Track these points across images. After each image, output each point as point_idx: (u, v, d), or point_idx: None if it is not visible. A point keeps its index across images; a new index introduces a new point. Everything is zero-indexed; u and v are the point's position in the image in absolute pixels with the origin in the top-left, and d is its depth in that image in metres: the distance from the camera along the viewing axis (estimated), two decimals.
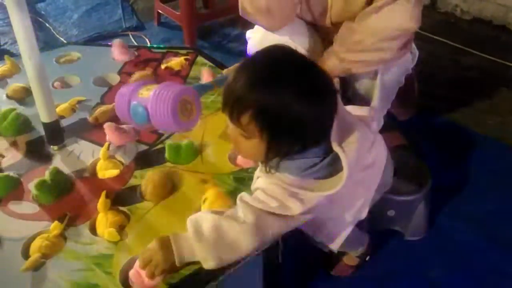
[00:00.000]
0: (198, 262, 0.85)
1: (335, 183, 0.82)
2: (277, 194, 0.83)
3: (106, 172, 1.10)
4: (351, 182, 0.83)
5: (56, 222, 0.96)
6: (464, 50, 2.23)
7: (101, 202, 0.98)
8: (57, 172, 1.06)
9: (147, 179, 1.04)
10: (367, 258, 1.23)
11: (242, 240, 0.82)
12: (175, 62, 1.54)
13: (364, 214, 1.01)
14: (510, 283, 1.20)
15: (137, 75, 1.43)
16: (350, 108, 0.99)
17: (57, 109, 1.25)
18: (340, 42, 1.23)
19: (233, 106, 0.77)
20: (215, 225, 0.82)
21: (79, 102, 1.36)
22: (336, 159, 0.82)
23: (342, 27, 1.24)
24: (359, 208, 0.99)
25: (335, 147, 0.81)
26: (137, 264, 0.85)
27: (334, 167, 0.83)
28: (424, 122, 1.71)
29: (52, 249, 0.91)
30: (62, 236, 0.95)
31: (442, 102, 1.86)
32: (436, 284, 1.20)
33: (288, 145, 0.80)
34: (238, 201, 0.86)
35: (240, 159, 1.15)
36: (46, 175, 1.03)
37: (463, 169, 1.54)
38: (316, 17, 1.33)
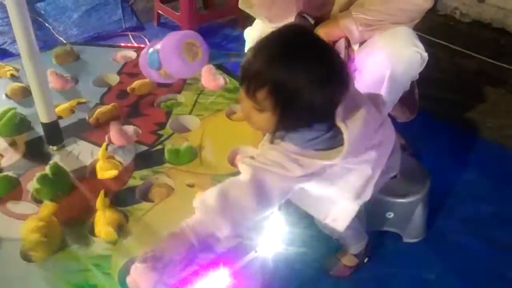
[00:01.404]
0: None
1: (334, 155, 0.85)
2: (277, 158, 0.87)
3: (106, 172, 1.10)
4: (356, 159, 0.88)
5: (46, 202, 0.96)
6: (463, 53, 2.23)
7: (100, 200, 0.98)
8: (57, 167, 1.06)
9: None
10: (365, 260, 1.23)
11: (244, 198, 0.85)
12: None
13: (367, 195, 1.01)
14: (508, 286, 1.20)
15: (136, 82, 1.43)
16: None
17: (56, 110, 1.25)
18: (354, 7, 1.25)
19: (251, 81, 0.81)
20: (220, 194, 0.85)
21: (79, 103, 1.36)
22: (339, 133, 0.85)
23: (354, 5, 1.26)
24: (363, 188, 0.99)
25: (339, 122, 0.84)
26: (133, 268, 0.85)
27: (336, 140, 0.86)
28: (423, 125, 1.71)
29: (49, 229, 0.91)
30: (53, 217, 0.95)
31: (441, 105, 1.86)
32: (434, 286, 1.20)
33: (297, 121, 0.84)
34: (239, 164, 0.89)
35: (239, 159, 1.16)
36: (47, 170, 1.03)
37: (461, 172, 1.54)
38: (320, 9, 1.34)
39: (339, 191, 0.99)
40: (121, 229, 0.95)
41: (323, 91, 0.81)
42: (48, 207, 0.95)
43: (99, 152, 1.12)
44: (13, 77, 1.48)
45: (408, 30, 1.24)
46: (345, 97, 0.85)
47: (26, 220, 0.93)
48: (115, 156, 1.17)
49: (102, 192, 0.99)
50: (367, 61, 1.26)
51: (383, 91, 1.23)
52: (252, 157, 0.91)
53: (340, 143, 0.85)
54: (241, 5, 1.30)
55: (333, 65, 0.83)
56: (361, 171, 0.97)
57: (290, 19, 1.32)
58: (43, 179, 1.02)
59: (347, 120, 0.86)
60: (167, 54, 1.03)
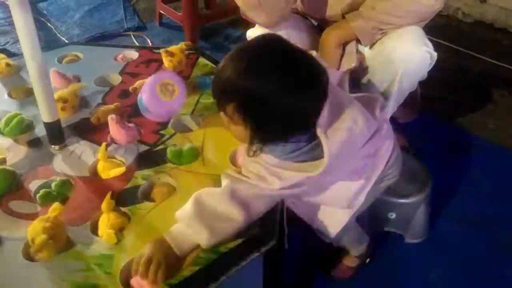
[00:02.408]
0: (199, 262, 0.85)
1: (314, 168, 0.84)
2: (257, 170, 0.87)
3: (112, 171, 1.09)
4: (344, 171, 0.88)
5: (56, 204, 0.96)
6: (465, 53, 2.23)
7: (106, 202, 0.98)
8: (63, 185, 1.06)
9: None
10: (367, 260, 1.23)
11: (222, 206, 0.86)
12: (174, 48, 1.53)
13: (360, 204, 0.99)
14: (510, 287, 1.20)
15: (139, 82, 1.43)
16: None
17: (58, 94, 1.28)
18: (364, 7, 1.25)
19: (219, 97, 0.83)
20: (195, 199, 0.87)
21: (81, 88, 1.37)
22: (317, 146, 0.83)
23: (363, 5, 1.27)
24: (355, 196, 0.98)
25: (319, 133, 0.82)
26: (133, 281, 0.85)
27: (317, 152, 0.84)
28: (425, 125, 1.71)
29: (55, 230, 0.91)
30: (61, 219, 0.94)
31: (443, 105, 1.86)
32: (436, 287, 1.20)
33: (272, 134, 0.83)
34: (221, 176, 0.91)
35: (241, 161, 1.15)
36: (52, 187, 1.04)
37: (463, 172, 1.54)
38: (321, 11, 1.34)
39: (329, 199, 0.98)
40: (121, 232, 0.95)
41: (295, 100, 0.77)
42: (56, 209, 0.95)
43: (99, 152, 1.12)
44: (8, 66, 1.48)
45: (418, 29, 1.25)
46: (327, 105, 0.82)
47: (34, 220, 0.93)
48: (116, 156, 1.17)
49: (108, 194, 0.99)
50: (378, 61, 1.26)
51: (393, 91, 1.23)
52: (237, 171, 0.91)
53: (322, 155, 0.82)
54: (241, 12, 1.31)
55: (307, 73, 0.79)
56: (351, 180, 0.95)
57: (286, 23, 1.32)
58: (46, 196, 1.03)
59: (329, 130, 0.83)
60: (147, 98, 1.14)
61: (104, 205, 0.97)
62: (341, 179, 0.94)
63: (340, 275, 1.21)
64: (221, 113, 0.86)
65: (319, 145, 0.83)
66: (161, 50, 1.52)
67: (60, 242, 0.92)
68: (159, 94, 1.14)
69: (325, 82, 0.81)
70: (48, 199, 1.03)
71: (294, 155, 0.86)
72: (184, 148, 1.15)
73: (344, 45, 1.32)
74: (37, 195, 1.04)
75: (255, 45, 0.82)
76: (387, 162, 0.98)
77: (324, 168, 0.82)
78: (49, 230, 0.90)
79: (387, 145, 0.98)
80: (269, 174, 0.86)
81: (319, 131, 0.82)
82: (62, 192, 1.05)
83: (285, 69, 0.78)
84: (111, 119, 1.19)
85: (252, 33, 1.43)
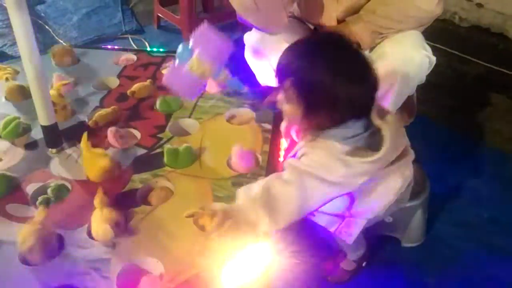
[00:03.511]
0: None
1: (375, 155, 0.87)
2: (322, 157, 0.89)
3: (96, 163, 1.08)
4: (386, 170, 0.91)
5: (40, 208, 0.97)
6: (462, 57, 2.24)
7: (98, 197, 0.97)
8: (59, 189, 1.06)
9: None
10: (363, 264, 1.23)
11: (287, 198, 0.88)
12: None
13: (380, 213, 1.02)
14: None
15: (136, 85, 1.43)
16: None
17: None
18: (365, 11, 1.26)
19: (279, 71, 0.89)
20: (264, 187, 0.88)
21: (63, 85, 1.35)
22: (374, 134, 0.89)
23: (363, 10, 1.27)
24: (380, 207, 1.01)
25: (376, 121, 0.89)
26: None
27: (373, 141, 0.89)
28: (422, 129, 1.71)
29: (44, 232, 0.92)
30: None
31: (440, 109, 1.86)
32: None
33: (321, 118, 0.87)
34: (284, 165, 0.91)
35: (238, 165, 1.16)
36: (49, 193, 1.04)
37: (460, 176, 1.54)
38: (317, 16, 1.34)
39: (374, 202, 1.00)
40: (119, 228, 0.94)
41: (346, 84, 0.84)
42: (41, 213, 0.95)
43: (81, 143, 1.11)
44: (7, 80, 1.48)
45: (417, 33, 1.25)
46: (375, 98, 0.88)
47: (24, 225, 0.93)
48: (114, 158, 1.16)
49: (100, 189, 0.99)
50: (378, 65, 1.26)
51: (392, 95, 1.23)
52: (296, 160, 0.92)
53: (376, 146, 0.88)
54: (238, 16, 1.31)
55: (359, 61, 0.87)
56: (391, 182, 0.98)
57: (282, 26, 1.33)
58: (44, 203, 1.04)
59: (381, 121, 0.90)
60: (201, 35, 1.11)
61: (96, 201, 0.97)
62: (383, 181, 0.97)
63: (337, 279, 1.21)
64: (279, 91, 0.91)
65: (374, 135, 0.88)
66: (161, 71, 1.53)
67: (50, 244, 0.92)
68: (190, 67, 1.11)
69: (375, 75, 0.88)
70: (46, 204, 1.03)
71: (355, 140, 0.89)
72: (180, 148, 1.15)
73: None
74: (37, 202, 1.04)
75: (314, 36, 0.94)
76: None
77: (386, 151, 0.87)
78: (37, 233, 0.91)
79: (409, 149, 1.03)
80: (335, 160, 0.88)
81: (375, 118, 0.89)
82: (59, 196, 1.05)
83: (342, 58, 0.86)
84: (110, 131, 1.20)
85: (249, 37, 1.44)
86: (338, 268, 1.22)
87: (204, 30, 1.14)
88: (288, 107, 0.90)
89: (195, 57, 1.12)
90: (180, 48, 1.16)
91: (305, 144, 0.94)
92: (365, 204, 0.98)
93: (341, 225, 1.04)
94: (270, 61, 1.27)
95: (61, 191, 1.06)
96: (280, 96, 0.92)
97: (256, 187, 0.90)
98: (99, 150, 1.13)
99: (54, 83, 1.35)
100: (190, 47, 1.13)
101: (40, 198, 1.04)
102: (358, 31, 1.25)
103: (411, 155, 1.02)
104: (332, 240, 1.16)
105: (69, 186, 1.09)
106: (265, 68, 1.39)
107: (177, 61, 1.15)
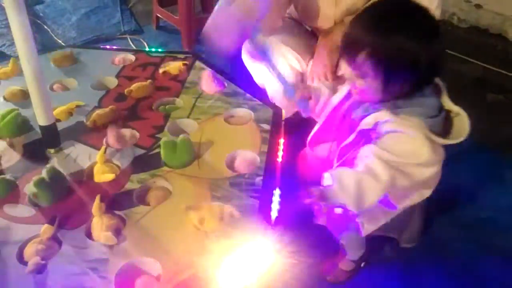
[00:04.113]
0: None
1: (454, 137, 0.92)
2: (409, 141, 0.89)
3: (102, 176, 1.10)
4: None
5: (46, 225, 0.95)
6: (461, 58, 2.24)
7: (96, 205, 0.97)
8: (54, 171, 1.05)
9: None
10: (362, 264, 1.23)
11: (376, 194, 0.92)
12: (173, 66, 1.54)
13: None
14: None
15: (135, 85, 1.43)
16: None
17: (54, 112, 1.25)
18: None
19: (350, 47, 0.88)
20: (357, 181, 0.90)
21: (77, 106, 1.36)
22: (443, 120, 0.92)
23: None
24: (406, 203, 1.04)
25: (453, 106, 0.94)
26: None
27: (447, 126, 0.93)
28: None
29: (47, 251, 0.91)
30: (55, 239, 0.94)
31: None
32: None
33: (400, 85, 0.88)
34: (376, 159, 0.90)
35: (237, 165, 1.16)
36: (44, 173, 1.03)
37: (457, 177, 1.54)
38: (314, 20, 1.35)
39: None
40: (119, 233, 0.95)
41: (423, 45, 0.85)
42: (47, 231, 0.95)
43: (98, 154, 1.12)
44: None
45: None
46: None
47: (29, 243, 0.93)
48: (113, 159, 1.16)
49: (97, 197, 0.99)
50: None
51: None
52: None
53: (447, 131, 0.92)
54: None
55: (429, 20, 0.88)
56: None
57: (281, 28, 1.33)
58: (40, 183, 1.01)
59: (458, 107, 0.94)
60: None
61: (94, 209, 0.97)
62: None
63: (335, 279, 1.21)
64: (348, 70, 0.90)
65: (445, 119, 0.92)
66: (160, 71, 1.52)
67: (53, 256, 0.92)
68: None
69: (442, 35, 0.89)
70: (41, 186, 1.01)
71: (434, 121, 0.90)
72: (178, 139, 1.14)
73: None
74: (31, 183, 1.02)
75: (381, 4, 0.90)
76: None
77: (465, 137, 0.92)
78: (42, 252, 0.90)
79: None
80: (423, 139, 0.89)
81: (450, 104, 0.93)
82: (54, 179, 1.04)
83: (412, 21, 0.86)
84: (110, 130, 1.20)
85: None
86: (337, 268, 1.22)
87: None
88: (361, 83, 0.90)
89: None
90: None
91: (388, 120, 0.92)
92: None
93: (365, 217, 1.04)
94: (270, 63, 1.26)
95: (56, 174, 1.05)
96: (350, 74, 0.91)
97: (348, 177, 0.91)
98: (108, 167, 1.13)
99: (68, 104, 1.35)
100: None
101: (34, 178, 1.02)
102: (335, 37, 1.25)
103: None
104: (332, 239, 1.16)
105: (67, 185, 1.09)
106: (262, 70, 1.39)
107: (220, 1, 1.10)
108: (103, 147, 1.14)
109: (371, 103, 0.95)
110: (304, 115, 1.11)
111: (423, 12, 0.88)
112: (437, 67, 0.90)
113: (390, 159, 0.89)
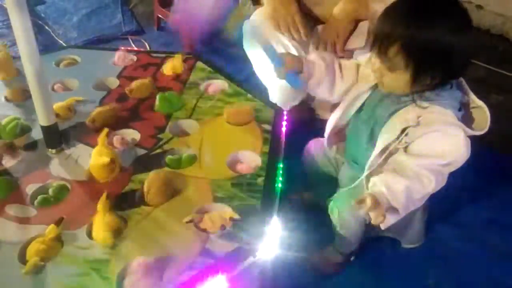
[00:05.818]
0: None
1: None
2: (443, 139, 0.92)
3: (100, 158, 1.08)
4: None
5: (52, 226, 0.95)
6: None
7: (101, 202, 0.97)
8: (60, 190, 1.06)
9: (149, 182, 1.04)
10: (352, 258, 1.22)
11: (423, 198, 0.99)
12: (172, 64, 1.53)
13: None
14: None
15: (136, 83, 1.43)
16: None
17: (54, 107, 1.24)
18: None
19: (382, 40, 0.87)
20: (407, 189, 0.91)
21: (76, 101, 1.35)
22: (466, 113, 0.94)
23: None
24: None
25: (476, 100, 0.96)
26: None
27: (470, 121, 0.95)
28: None
29: (49, 252, 0.91)
30: (59, 240, 0.94)
31: None
32: None
33: (430, 77, 0.88)
34: (425, 171, 0.93)
35: (238, 165, 1.16)
36: (50, 193, 1.04)
37: (459, 178, 1.54)
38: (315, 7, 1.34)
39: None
40: (118, 234, 0.95)
41: (455, 37, 0.85)
42: (52, 231, 0.94)
43: (99, 137, 1.12)
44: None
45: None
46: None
47: (32, 242, 0.93)
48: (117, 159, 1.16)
49: (104, 194, 0.99)
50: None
51: None
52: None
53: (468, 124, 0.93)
54: None
55: (460, 11, 0.88)
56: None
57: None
58: (44, 201, 1.04)
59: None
60: None
61: (100, 205, 0.97)
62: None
63: (326, 272, 1.19)
64: (378, 63, 0.90)
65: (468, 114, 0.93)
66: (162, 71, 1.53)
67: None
68: None
69: (471, 28, 0.89)
70: (45, 204, 1.03)
71: (461, 114, 0.92)
72: (183, 155, 1.16)
73: (356, 22, 1.30)
74: (35, 201, 1.03)
75: None
76: None
77: (487, 126, 0.94)
78: (42, 253, 0.90)
79: None
80: (454, 126, 0.90)
81: (474, 98, 0.95)
82: (59, 197, 1.05)
83: (444, 13, 0.85)
84: (116, 139, 1.22)
85: (246, 26, 1.43)
86: (325, 260, 1.20)
87: None
88: (393, 77, 0.89)
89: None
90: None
91: (422, 111, 0.93)
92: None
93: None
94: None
95: (62, 192, 1.06)
96: (379, 68, 0.90)
97: (398, 184, 0.91)
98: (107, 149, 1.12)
99: (68, 99, 1.35)
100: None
101: (39, 198, 1.03)
102: (376, 9, 1.22)
103: None
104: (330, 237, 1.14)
105: (69, 186, 1.09)
106: (262, 57, 1.36)
107: None
108: (105, 130, 1.14)
109: (398, 95, 0.95)
110: (294, 87, 1.05)
111: (455, 3, 0.88)
112: (468, 59, 0.91)
113: (435, 164, 0.94)
